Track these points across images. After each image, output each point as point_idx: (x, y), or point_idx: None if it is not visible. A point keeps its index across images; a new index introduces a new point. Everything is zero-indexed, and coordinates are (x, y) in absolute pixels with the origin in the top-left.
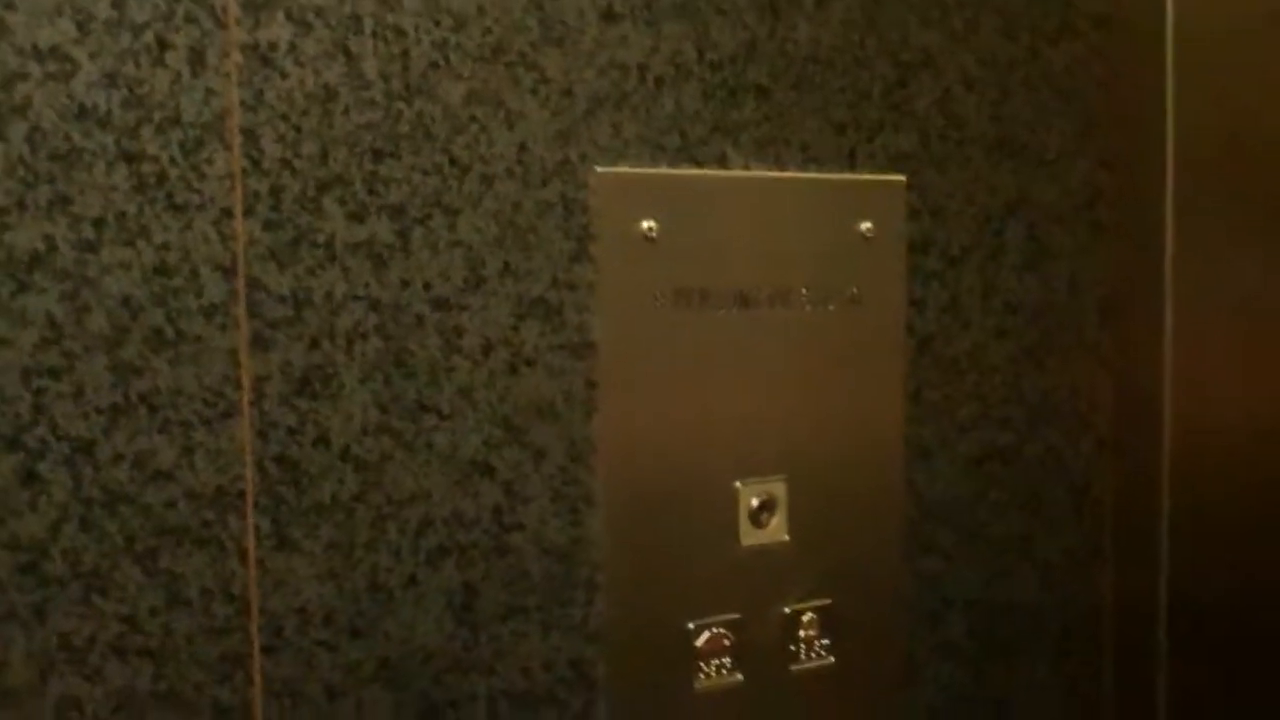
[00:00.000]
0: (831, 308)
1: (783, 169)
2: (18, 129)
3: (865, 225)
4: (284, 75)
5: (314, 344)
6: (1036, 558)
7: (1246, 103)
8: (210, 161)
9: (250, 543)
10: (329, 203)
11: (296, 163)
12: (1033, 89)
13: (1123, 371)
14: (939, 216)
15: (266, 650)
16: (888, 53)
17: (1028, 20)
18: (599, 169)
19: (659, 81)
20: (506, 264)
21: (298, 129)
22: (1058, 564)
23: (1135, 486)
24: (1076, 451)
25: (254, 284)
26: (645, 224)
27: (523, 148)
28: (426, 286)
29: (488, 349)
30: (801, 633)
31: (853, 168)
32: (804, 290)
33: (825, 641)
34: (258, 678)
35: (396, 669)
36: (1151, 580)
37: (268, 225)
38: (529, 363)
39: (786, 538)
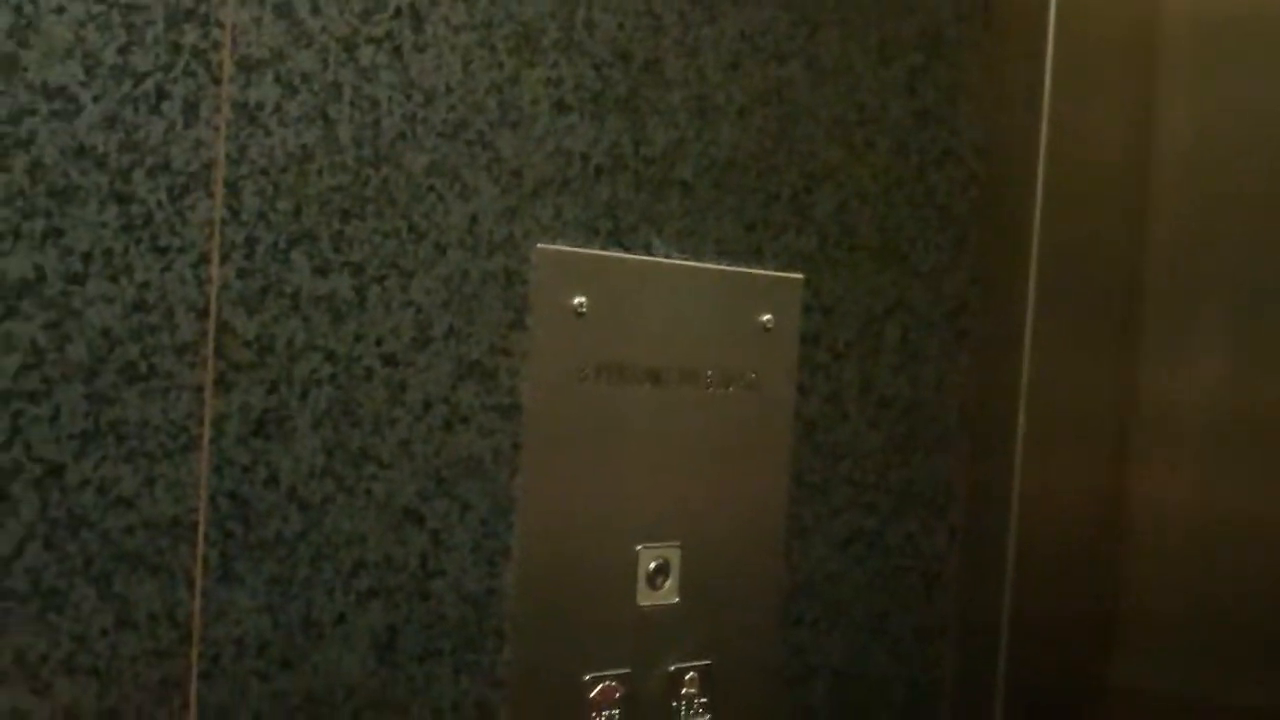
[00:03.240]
0: (731, 390)
1: (699, 259)
2: (20, 161)
3: (766, 317)
4: (268, 133)
5: (273, 388)
6: (890, 634)
7: (1106, 232)
8: (194, 208)
9: (198, 573)
10: (298, 256)
11: (272, 216)
12: (916, 206)
13: (977, 468)
14: (829, 314)
15: (204, 676)
16: (797, 162)
17: (917, 144)
18: (540, 245)
19: (599, 170)
20: (451, 327)
21: (276, 185)
22: (907, 640)
23: (982, 574)
24: (931, 539)
25: (223, 327)
26: (577, 299)
27: (474, 220)
28: (378, 342)
29: (428, 405)
30: (683, 690)
31: (759, 263)
32: (709, 373)
33: (704, 700)
34: (193, 702)
35: (320, 702)
36: (991, 663)
37: (241, 273)
38: (464, 420)
39: (677, 600)
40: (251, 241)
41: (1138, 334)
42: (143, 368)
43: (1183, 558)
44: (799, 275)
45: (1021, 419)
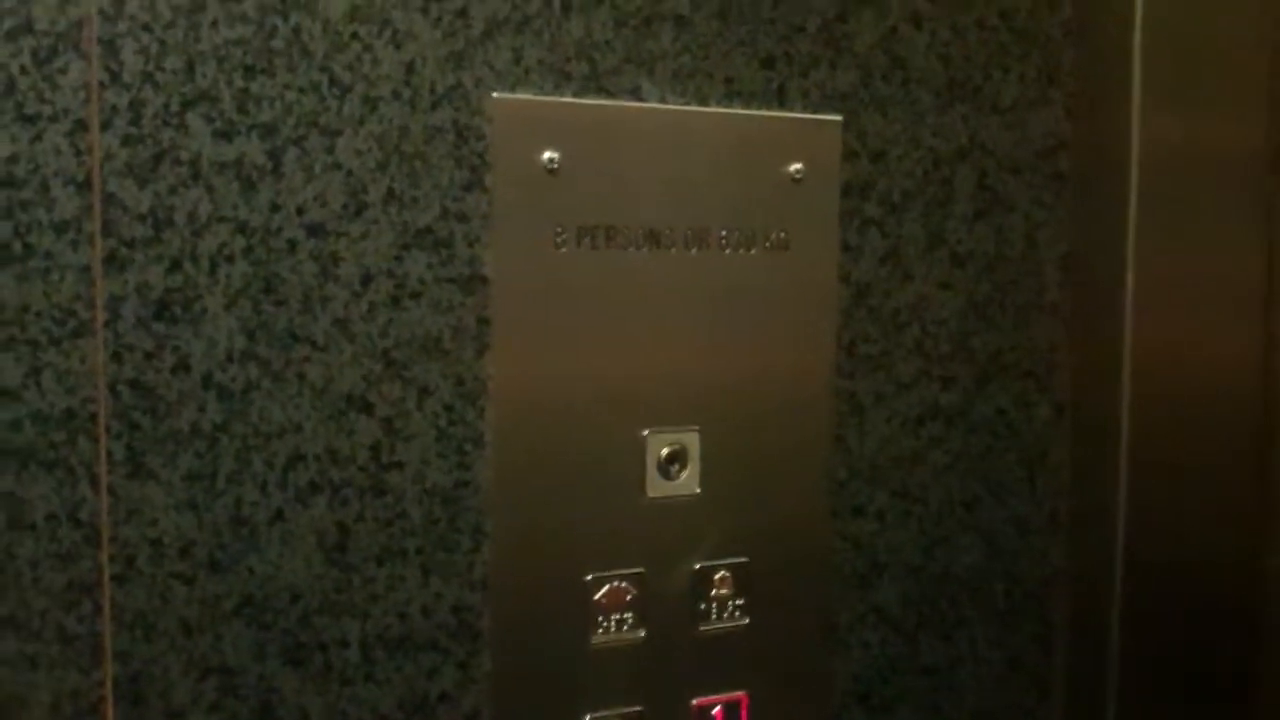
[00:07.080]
0: (754, 251)
1: (704, 103)
2: None
3: (795, 166)
4: None
5: (174, 266)
6: (981, 525)
7: (1219, 46)
8: (64, 72)
9: (102, 468)
10: (194, 119)
11: (159, 76)
12: (989, 30)
13: (1082, 333)
14: (880, 160)
15: (117, 579)
16: None
17: None
18: (496, 95)
19: (565, 6)
20: (391, 191)
21: (161, 42)
22: (1004, 532)
23: (1092, 454)
24: (1030, 415)
25: (110, 200)
26: (546, 154)
27: (411, 69)
28: (300, 211)
29: (367, 279)
30: (713, 591)
31: (784, 105)
32: (723, 232)
33: (739, 601)
34: (107, 607)
35: (260, 607)
36: (1107, 552)
37: (127, 140)
38: (413, 295)
39: (698, 490)
40: (137, 105)
41: None
42: (16, 248)
43: None
44: (836, 117)
45: (1130, 278)
